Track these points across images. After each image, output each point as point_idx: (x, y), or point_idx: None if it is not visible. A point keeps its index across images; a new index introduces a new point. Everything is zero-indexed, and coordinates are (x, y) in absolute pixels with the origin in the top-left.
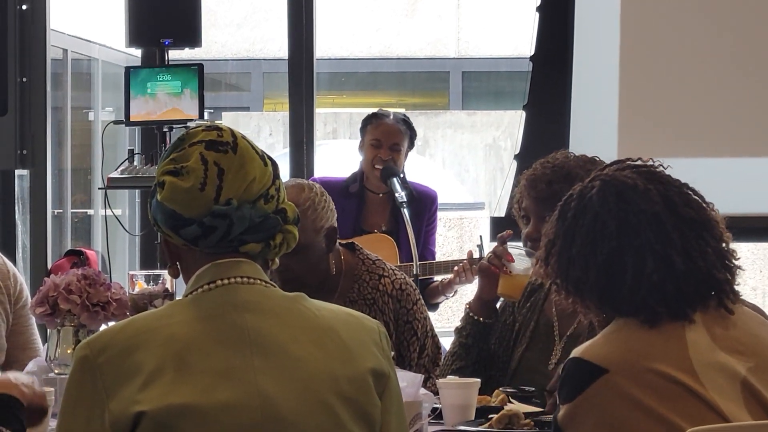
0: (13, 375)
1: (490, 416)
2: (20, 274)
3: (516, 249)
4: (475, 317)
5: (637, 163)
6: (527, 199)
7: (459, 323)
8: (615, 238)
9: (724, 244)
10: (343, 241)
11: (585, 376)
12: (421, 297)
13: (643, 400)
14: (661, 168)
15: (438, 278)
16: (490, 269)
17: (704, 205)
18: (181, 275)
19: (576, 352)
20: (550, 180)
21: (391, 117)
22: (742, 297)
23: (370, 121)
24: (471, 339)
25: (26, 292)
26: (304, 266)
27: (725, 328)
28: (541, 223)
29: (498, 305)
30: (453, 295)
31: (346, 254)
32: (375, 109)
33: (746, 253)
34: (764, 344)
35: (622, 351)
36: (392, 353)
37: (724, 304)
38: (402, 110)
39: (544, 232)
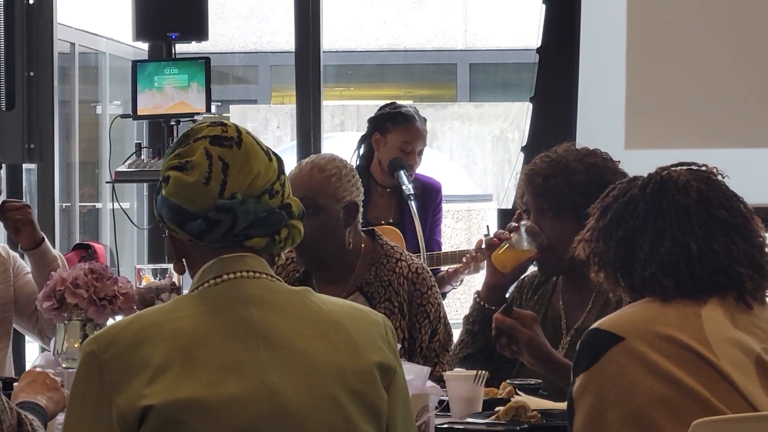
0: (42, 379)
1: (497, 408)
2: (11, 251)
3: (527, 231)
4: (483, 304)
5: (701, 167)
6: (527, 194)
7: (467, 312)
8: (641, 219)
9: (756, 251)
10: (364, 228)
11: (601, 344)
12: (436, 284)
13: (657, 363)
14: (720, 176)
15: (444, 268)
16: (492, 240)
17: (750, 217)
18: (187, 271)
19: (592, 325)
20: (547, 174)
21: (418, 120)
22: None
23: (398, 121)
24: (478, 326)
25: (20, 260)
26: (316, 231)
27: (742, 313)
28: (541, 217)
29: (507, 296)
30: (459, 285)
31: (366, 239)
32: (386, 101)
33: None
34: None
35: (637, 319)
36: (399, 345)
37: (744, 298)
38: (410, 102)
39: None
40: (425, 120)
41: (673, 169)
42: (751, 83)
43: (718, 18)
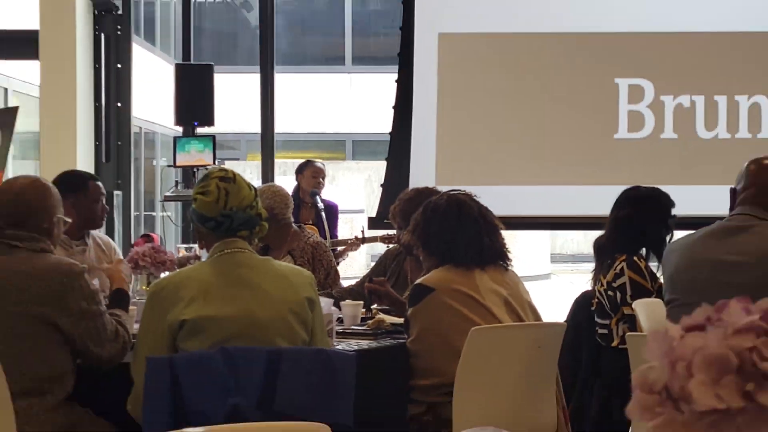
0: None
1: (368, 321)
2: (116, 245)
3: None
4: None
5: (463, 191)
6: (403, 222)
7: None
8: (454, 221)
9: (503, 241)
10: (297, 224)
11: (422, 291)
12: (329, 250)
13: (453, 306)
14: (475, 195)
15: (339, 248)
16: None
17: (497, 224)
18: (204, 248)
19: (417, 281)
20: (414, 211)
21: (318, 163)
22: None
23: (307, 166)
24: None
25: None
26: None
27: (497, 275)
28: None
29: (374, 263)
30: (345, 259)
31: (297, 229)
32: (306, 159)
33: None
34: (515, 284)
35: (441, 279)
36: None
37: (501, 266)
38: (320, 160)
39: (412, 218)
40: (323, 164)
41: (453, 193)
42: (528, 138)
43: (510, 89)
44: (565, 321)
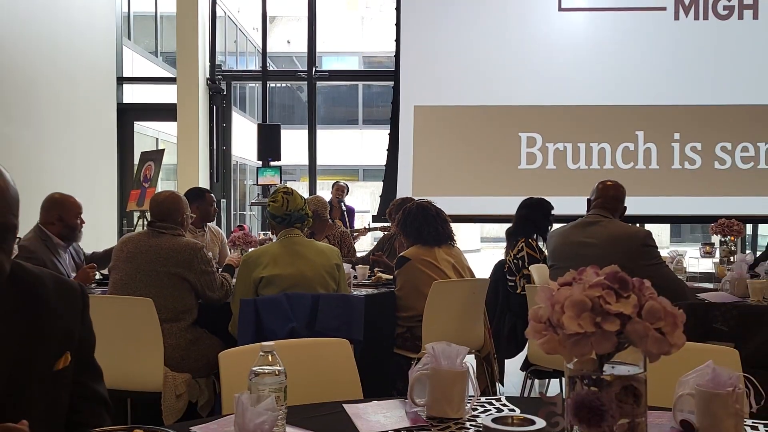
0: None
1: (372, 278)
2: (222, 231)
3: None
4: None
5: (427, 199)
6: (393, 218)
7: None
8: (420, 219)
9: (451, 231)
10: (331, 220)
11: (403, 260)
12: (350, 235)
13: (422, 269)
14: (433, 202)
15: (355, 234)
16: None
17: (448, 220)
18: (274, 234)
19: (400, 254)
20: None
21: (341, 183)
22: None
23: (335, 184)
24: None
25: (225, 240)
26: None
27: (448, 249)
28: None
29: (379, 240)
30: (357, 241)
31: (331, 223)
32: (335, 180)
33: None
34: (459, 255)
35: (414, 253)
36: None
37: (449, 243)
38: (343, 181)
39: (396, 217)
40: (345, 183)
41: (420, 201)
42: (468, 167)
43: (456, 136)
44: (489, 277)
